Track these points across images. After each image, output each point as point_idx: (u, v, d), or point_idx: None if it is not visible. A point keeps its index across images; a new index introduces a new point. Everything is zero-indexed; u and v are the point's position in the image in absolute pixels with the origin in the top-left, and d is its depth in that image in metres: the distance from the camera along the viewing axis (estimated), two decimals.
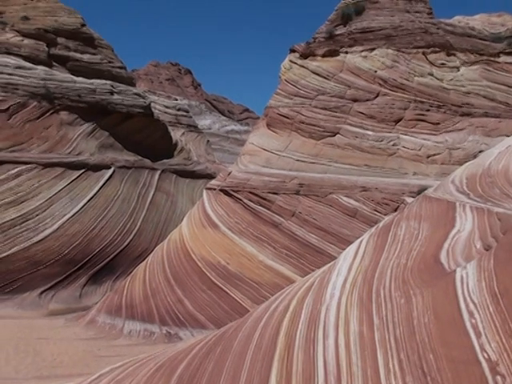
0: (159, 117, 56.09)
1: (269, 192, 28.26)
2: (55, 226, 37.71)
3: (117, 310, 29.76)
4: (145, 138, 49.55)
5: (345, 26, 33.29)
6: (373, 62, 31.75)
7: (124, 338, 27.40)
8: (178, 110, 71.01)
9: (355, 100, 30.78)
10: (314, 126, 30.10)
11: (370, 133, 29.95)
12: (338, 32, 33.00)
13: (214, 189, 30.38)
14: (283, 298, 8.20)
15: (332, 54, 32.12)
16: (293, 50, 33.16)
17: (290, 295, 8.10)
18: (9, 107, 40.06)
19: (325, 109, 30.39)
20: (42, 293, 36.31)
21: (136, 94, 50.00)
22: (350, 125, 30.15)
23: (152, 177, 47.45)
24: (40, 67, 43.21)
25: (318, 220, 27.22)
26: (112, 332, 28.38)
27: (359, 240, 8.75)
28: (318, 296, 7.18)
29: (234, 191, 29.14)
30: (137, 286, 29.94)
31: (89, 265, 38.77)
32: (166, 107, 68.63)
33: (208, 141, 73.12)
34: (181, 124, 68.29)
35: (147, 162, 47.96)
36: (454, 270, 5.83)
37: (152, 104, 54.39)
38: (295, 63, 32.35)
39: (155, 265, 30.22)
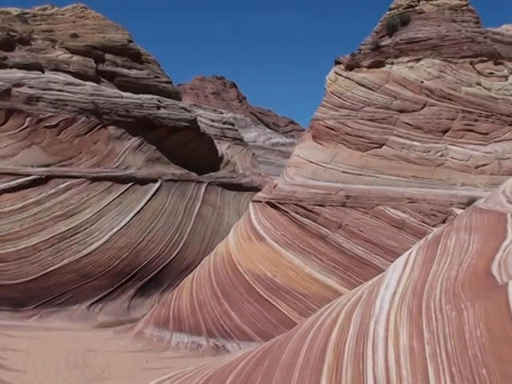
0: (205, 130, 56.45)
1: (315, 204, 28.15)
2: (104, 239, 38.23)
3: (164, 323, 29.93)
4: (191, 152, 49.90)
5: (390, 37, 33.07)
6: (419, 73, 31.42)
7: (172, 351, 27.52)
8: (224, 123, 71.33)
9: (402, 111, 30.50)
10: (360, 137, 29.92)
11: (417, 144, 29.62)
12: (383, 43, 32.80)
13: (260, 201, 30.40)
14: (331, 311, 8.13)
15: (378, 65, 31.93)
16: (338, 62, 33.08)
17: (337, 308, 8.03)
18: (58, 123, 40.89)
19: (371, 120, 30.19)
20: (91, 305, 36.78)
21: (182, 108, 50.45)
22: (397, 136, 29.87)
23: (198, 190, 47.72)
24: (88, 83, 43.99)
25: (364, 232, 27.00)
26: (160, 344, 28.54)
27: (408, 252, 8.63)
28: (366, 309, 7.10)
29: (280, 204, 29.11)
30: (184, 299, 30.07)
31: (137, 277, 39.15)
32: (212, 121, 69.02)
33: (253, 153, 73.23)
34: (226, 137, 68.57)
35: (193, 175, 48.27)
36: (507, 283, 5.69)
37: (198, 118, 54.79)
38: (340, 75, 32.25)
39: (202, 277, 30.31)
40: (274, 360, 8.12)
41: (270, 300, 26.85)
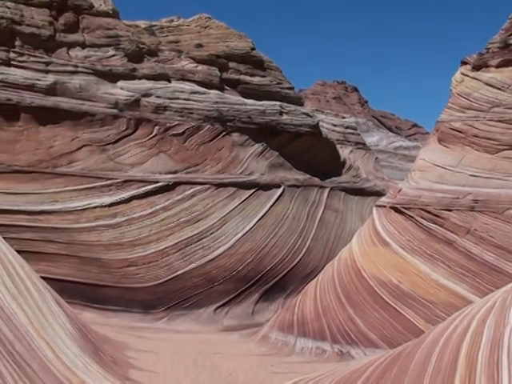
0: (327, 135, 56.40)
1: (442, 209, 27.41)
2: (229, 244, 38.95)
3: (289, 327, 30.05)
4: (313, 157, 49.98)
5: None
6: None
7: (296, 355, 27.57)
8: (346, 127, 71.04)
9: None
10: (489, 139, 28.84)
11: None
12: None
13: (385, 206, 29.97)
14: (462, 319, 7.90)
15: (507, 64, 30.66)
16: (464, 63, 32.07)
17: (469, 316, 7.79)
18: (184, 131, 42.19)
19: (500, 121, 29.03)
20: (216, 309, 37.51)
21: (304, 113, 50.65)
22: None
23: (321, 195, 47.71)
24: (213, 91, 45.07)
25: (495, 237, 25.98)
26: (284, 349, 28.67)
27: None
28: (500, 318, 6.85)
29: (405, 208, 28.57)
30: (308, 304, 30.08)
31: (261, 282, 39.57)
32: (334, 125, 68.93)
33: (376, 158, 72.47)
34: (349, 142, 68.25)
35: (316, 180, 48.32)
36: None
37: (320, 123, 54.81)
38: (467, 75, 31.26)
39: (326, 283, 30.22)
40: (403, 367, 7.99)
41: (396, 306, 26.38)
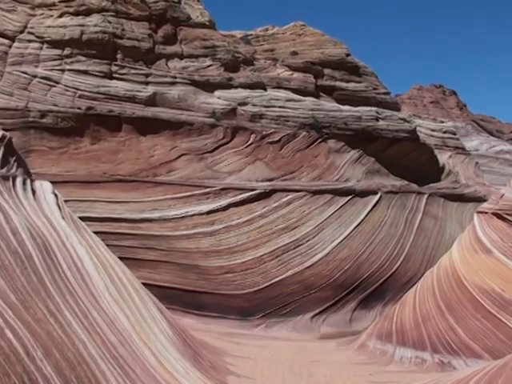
0: (425, 140, 55.33)
1: None
2: (326, 251, 38.79)
3: (387, 336, 29.61)
4: (411, 163, 49.19)
5: None
6: None
7: (395, 365, 27.10)
8: (445, 132, 69.44)
9: None
10: None
11: None
12: None
13: (486, 212, 29.08)
14: None
15: None
16: None
17: None
18: (280, 138, 42.48)
19: None
20: (313, 316, 37.39)
21: (401, 118, 49.95)
22: None
23: (419, 201, 46.85)
24: (308, 98, 45.17)
25: None
26: (383, 357, 28.24)
27: None
28: None
29: (507, 214, 27.63)
30: (407, 312, 29.55)
31: (358, 289, 39.19)
32: (432, 130, 67.50)
33: (476, 162, 70.52)
34: (447, 146, 66.69)
35: (414, 186, 47.50)
36: None
37: (417, 128, 53.88)
38: None
39: (425, 291, 29.60)
40: (510, 379, 7.74)
41: (499, 316, 25.50)
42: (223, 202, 38.53)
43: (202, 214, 37.72)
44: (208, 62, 43.41)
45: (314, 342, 34.11)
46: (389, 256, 41.23)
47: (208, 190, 38.69)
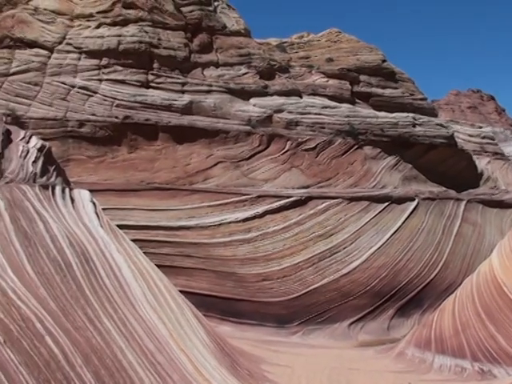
0: (463, 146, 54.78)
1: None
2: (362, 258, 38.55)
3: (426, 344, 29.28)
4: (449, 169, 48.73)
5: None
6: None
7: (434, 373, 26.77)
8: (483, 137, 68.58)
9: None
10: None
11: None
12: None
13: None
14: None
15: None
16: None
17: None
18: (316, 145, 42.47)
19: None
20: (351, 324, 37.16)
21: (438, 124, 49.52)
22: None
23: (457, 208, 46.31)
24: (344, 105, 45.06)
25: None
26: (422, 366, 27.92)
27: None
28: None
29: None
30: (446, 320, 29.20)
31: (396, 297, 38.84)
32: (470, 136, 66.73)
33: None
34: (486, 152, 65.83)
35: (452, 192, 46.99)
36: None
37: (455, 133, 53.37)
38: None
39: (464, 298, 29.21)
40: None
41: None
42: (259, 209, 38.56)
43: (239, 221, 37.79)
44: (243, 69, 43.58)
45: (351, 349, 33.86)
46: (427, 263, 40.79)
47: (244, 197, 38.75)
